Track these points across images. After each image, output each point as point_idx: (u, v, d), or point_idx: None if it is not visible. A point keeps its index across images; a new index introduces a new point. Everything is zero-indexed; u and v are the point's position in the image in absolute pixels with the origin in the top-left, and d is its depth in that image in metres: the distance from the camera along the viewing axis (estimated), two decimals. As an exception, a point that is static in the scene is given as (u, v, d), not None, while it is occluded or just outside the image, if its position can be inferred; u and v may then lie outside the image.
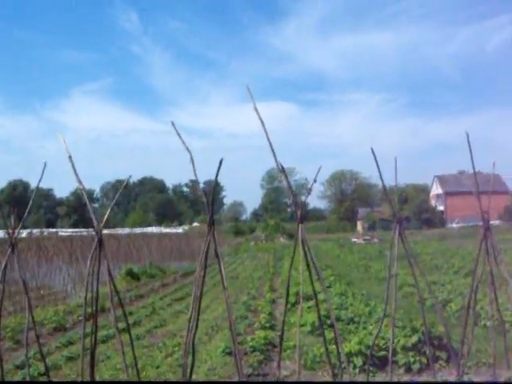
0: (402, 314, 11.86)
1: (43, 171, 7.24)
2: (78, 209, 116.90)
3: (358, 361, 8.66)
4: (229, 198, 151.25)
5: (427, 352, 8.23)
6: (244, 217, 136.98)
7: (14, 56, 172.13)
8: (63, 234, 42.11)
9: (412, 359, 8.62)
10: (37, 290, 20.58)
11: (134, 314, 15.41)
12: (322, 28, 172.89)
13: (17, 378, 8.79)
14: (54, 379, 8.57)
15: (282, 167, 7.62)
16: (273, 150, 7.36)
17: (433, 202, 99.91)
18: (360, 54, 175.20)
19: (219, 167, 6.98)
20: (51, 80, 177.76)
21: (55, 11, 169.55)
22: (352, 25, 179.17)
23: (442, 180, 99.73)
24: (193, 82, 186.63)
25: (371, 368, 8.16)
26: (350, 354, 8.64)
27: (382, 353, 8.71)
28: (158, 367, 9.57)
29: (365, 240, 62.19)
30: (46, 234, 34.90)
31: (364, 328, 10.96)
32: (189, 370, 7.66)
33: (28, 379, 7.01)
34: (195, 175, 7.12)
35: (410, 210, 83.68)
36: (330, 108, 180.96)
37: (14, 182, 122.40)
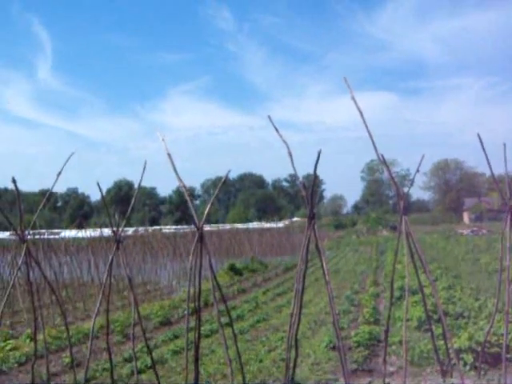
0: (516, 308, 11.23)
1: (144, 169, 7.41)
2: (180, 206, 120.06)
3: (469, 358, 8.25)
4: (328, 191, 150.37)
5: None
6: (345, 210, 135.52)
7: (113, 61, 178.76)
8: (167, 230, 43.29)
9: (528, 357, 8.11)
10: (143, 285, 21.26)
11: (237, 309, 15.55)
12: (420, 13, 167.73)
13: (125, 371, 9.04)
14: (160, 372, 8.75)
15: (383, 158, 7.39)
16: (373, 141, 7.15)
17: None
18: (461, 37, 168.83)
19: (317, 159, 6.85)
20: (149, 82, 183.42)
21: (149, 15, 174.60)
22: (450, 7, 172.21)
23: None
24: (289, 76, 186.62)
25: (483, 365, 7.75)
26: (459, 351, 8.25)
27: (495, 349, 8.28)
28: (261, 361, 9.56)
29: (472, 231, 59.78)
30: (150, 231, 36.00)
31: (474, 323, 10.47)
32: (292, 365, 7.60)
33: (136, 372, 7.18)
34: (293, 167, 7.02)
35: (520, 200, 79.59)
36: (432, 95, 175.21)
37: (119, 182, 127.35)
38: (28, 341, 11.91)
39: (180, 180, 7.39)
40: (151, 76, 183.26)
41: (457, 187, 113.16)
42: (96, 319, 7.60)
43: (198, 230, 7.10)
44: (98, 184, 7.68)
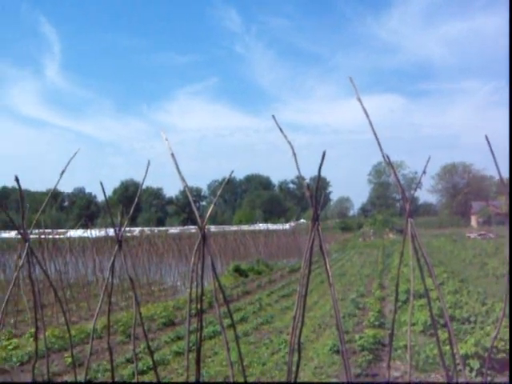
0: (523, 313, 11.08)
1: (147, 170, 7.31)
2: (186, 207, 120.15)
3: (475, 363, 8.12)
4: (335, 193, 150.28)
5: (553, 355, 7.60)
6: (351, 212, 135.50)
7: (121, 62, 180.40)
8: (172, 231, 43.29)
9: (535, 363, 7.97)
10: (148, 285, 21.18)
11: (241, 310, 15.46)
12: (428, 16, 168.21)
13: (126, 372, 8.96)
14: (162, 373, 8.67)
15: (389, 160, 7.27)
16: (378, 142, 7.03)
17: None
18: (469, 40, 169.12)
19: (322, 160, 6.73)
20: (156, 83, 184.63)
21: (157, 16, 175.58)
22: (458, 10, 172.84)
23: None
24: (297, 78, 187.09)
25: (489, 371, 7.63)
26: (465, 356, 8.12)
27: (501, 355, 8.15)
28: (264, 364, 9.46)
29: (480, 235, 59.48)
30: (156, 231, 35.99)
31: (481, 328, 10.33)
32: (295, 368, 7.49)
33: (136, 373, 7.08)
34: (297, 168, 6.91)
35: (528, 204, 79.04)
36: (440, 98, 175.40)
37: (126, 183, 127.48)
38: (31, 340, 11.86)
39: (183, 180, 7.30)
40: (158, 77, 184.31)
41: (464, 190, 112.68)
42: (99, 319, 7.51)
43: (200, 229, 7.01)
44: (101, 183, 7.57)
